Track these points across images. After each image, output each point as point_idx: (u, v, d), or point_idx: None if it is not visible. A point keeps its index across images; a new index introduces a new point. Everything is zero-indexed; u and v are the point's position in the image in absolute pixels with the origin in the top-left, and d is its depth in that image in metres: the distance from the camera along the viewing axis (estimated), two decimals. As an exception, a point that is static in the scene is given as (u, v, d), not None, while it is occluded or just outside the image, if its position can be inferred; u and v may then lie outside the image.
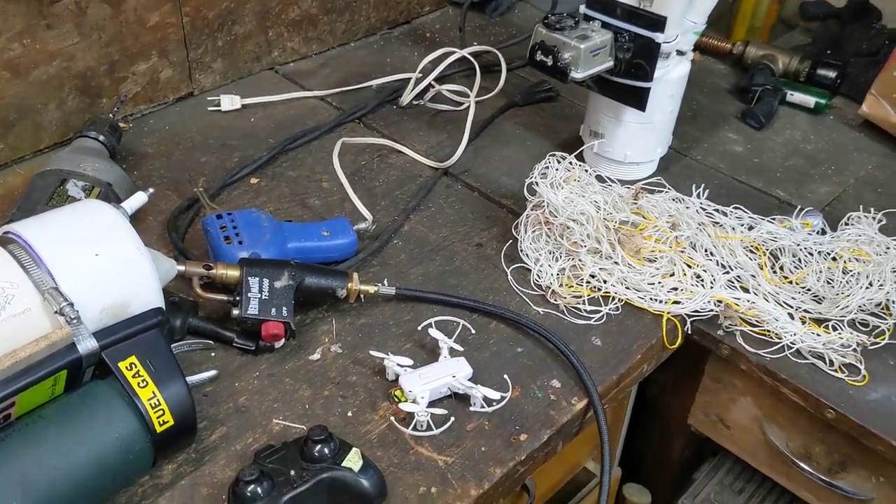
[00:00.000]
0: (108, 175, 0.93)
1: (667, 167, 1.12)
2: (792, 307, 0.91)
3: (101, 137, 1.00)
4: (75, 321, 0.66)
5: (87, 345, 0.66)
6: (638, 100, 1.01)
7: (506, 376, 0.83)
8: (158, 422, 0.68)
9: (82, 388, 0.68)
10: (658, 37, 0.95)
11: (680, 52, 1.03)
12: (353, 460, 0.70)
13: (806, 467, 0.93)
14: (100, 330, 0.68)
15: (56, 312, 0.66)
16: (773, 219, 1.01)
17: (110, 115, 1.06)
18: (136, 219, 0.95)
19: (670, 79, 1.02)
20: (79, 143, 0.99)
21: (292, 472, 0.69)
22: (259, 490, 0.67)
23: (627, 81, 1.00)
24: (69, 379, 0.67)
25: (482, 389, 0.79)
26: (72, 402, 0.67)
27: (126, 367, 0.68)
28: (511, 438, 0.78)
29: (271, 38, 1.28)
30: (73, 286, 0.68)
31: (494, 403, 0.79)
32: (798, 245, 0.97)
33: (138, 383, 0.68)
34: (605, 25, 0.97)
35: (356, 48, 1.39)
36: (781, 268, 0.96)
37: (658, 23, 0.95)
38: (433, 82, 1.22)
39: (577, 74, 0.94)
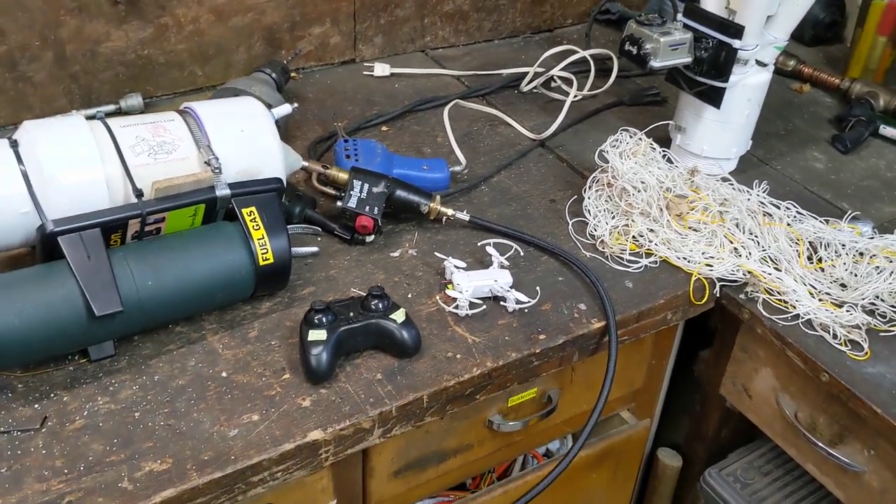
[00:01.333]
0: (269, 98, 1.18)
1: (745, 170, 1.24)
2: (816, 290, 1.02)
3: (273, 74, 1.26)
4: (217, 171, 0.90)
5: (223, 190, 0.90)
6: (715, 98, 1.15)
7: (538, 288, 0.99)
8: (262, 257, 0.90)
9: (214, 224, 0.92)
10: (735, 43, 1.10)
11: (760, 63, 1.16)
12: (399, 316, 0.90)
13: (811, 437, 1.02)
14: (234, 182, 0.92)
15: (205, 162, 0.90)
16: (824, 219, 1.11)
17: (284, 61, 1.33)
18: (287, 138, 1.21)
19: (748, 84, 1.15)
20: (255, 74, 1.26)
21: (351, 314, 0.89)
22: (324, 319, 0.87)
23: (706, 80, 1.14)
24: (205, 215, 0.92)
25: (516, 293, 0.96)
26: (205, 230, 0.91)
27: (247, 214, 0.91)
28: (531, 336, 0.94)
29: (426, 24, 1.51)
30: (221, 148, 0.92)
31: (524, 304, 0.96)
32: (839, 241, 1.07)
33: (253, 226, 0.91)
34: (692, 29, 1.13)
35: (498, 45, 1.60)
36: (820, 259, 1.06)
37: (737, 31, 1.09)
38: (553, 75, 1.41)
39: (656, 63, 1.10)
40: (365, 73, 1.45)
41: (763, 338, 1.01)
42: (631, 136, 1.13)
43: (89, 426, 0.80)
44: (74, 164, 0.86)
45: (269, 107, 1.13)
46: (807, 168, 1.29)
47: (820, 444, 1.01)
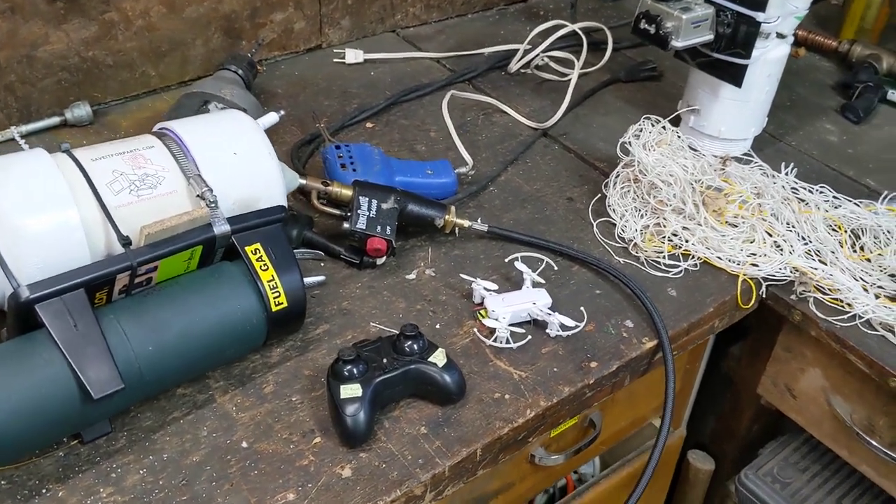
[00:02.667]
0: (244, 101, 1.04)
1: (760, 148, 1.16)
2: (867, 283, 0.95)
3: (240, 71, 1.11)
4: (213, 205, 0.76)
5: (221, 227, 0.77)
6: (735, 76, 1.06)
7: (583, 309, 0.89)
8: (274, 301, 0.77)
9: (213, 266, 0.79)
10: (759, 16, 1.00)
11: (780, 35, 1.07)
12: (439, 358, 0.78)
13: (869, 440, 0.96)
14: (232, 216, 0.78)
15: (198, 196, 0.76)
16: (859, 202, 1.04)
17: (248, 54, 1.17)
18: (264, 145, 1.06)
19: (768, 59, 1.06)
20: (220, 73, 1.11)
21: (385, 361, 0.77)
22: (355, 370, 0.75)
23: (726, 57, 1.05)
24: (203, 256, 0.78)
25: (559, 317, 0.86)
26: (204, 275, 0.77)
27: (252, 252, 0.78)
28: (582, 364, 0.84)
29: (396, 2, 1.37)
30: (212, 176, 0.78)
31: (570, 330, 0.86)
32: (880, 226, 1.00)
33: (260, 266, 0.77)
34: (708, 1, 1.03)
35: (472, 20, 1.47)
36: (862, 247, 0.99)
37: (760, 2, 1.00)
38: (542, 54, 1.29)
39: (678, 43, 1.00)
40: (335, 60, 1.31)
41: (815, 339, 0.94)
42: (653, 125, 1.03)
43: (96, 530, 0.67)
44: (45, 209, 0.71)
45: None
46: (821, 142, 1.22)
47: (881, 447, 0.95)
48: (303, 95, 1.22)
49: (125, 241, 0.72)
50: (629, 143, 1.02)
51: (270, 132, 1.10)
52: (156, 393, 0.76)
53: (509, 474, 0.91)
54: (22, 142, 1.05)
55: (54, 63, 1.07)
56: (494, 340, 0.84)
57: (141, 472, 0.72)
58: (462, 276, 0.91)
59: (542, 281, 0.91)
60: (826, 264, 0.96)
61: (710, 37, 1.03)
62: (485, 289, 0.88)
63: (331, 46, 1.34)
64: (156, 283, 0.76)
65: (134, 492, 0.70)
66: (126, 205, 0.74)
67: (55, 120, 1.08)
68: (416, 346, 0.78)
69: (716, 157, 1.05)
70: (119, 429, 0.75)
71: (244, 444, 0.74)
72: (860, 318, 0.92)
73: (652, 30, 1.01)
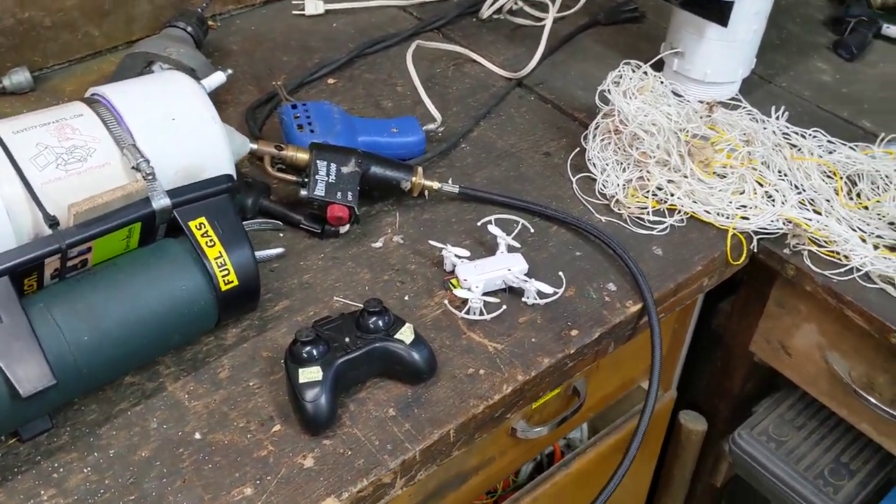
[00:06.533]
0: (191, 61, 0.96)
1: (749, 91, 1.09)
2: (865, 233, 0.89)
3: (189, 28, 1.03)
4: (150, 177, 0.69)
5: (160, 200, 0.70)
6: (720, 14, 0.98)
7: (561, 274, 0.83)
8: (223, 280, 0.71)
9: (154, 244, 0.72)
10: (747, -53, 0.93)
11: (769, -32, 0.99)
12: (406, 334, 0.72)
13: (868, 397, 0.91)
14: (173, 189, 0.71)
15: (133, 168, 0.69)
16: (855, 146, 0.98)
17: (198, 9, 1.09)
18: (217, 107, 0.98)
19: (757, -6, 0.99)
20: (167, 31, 1.03)
21: (347, 339, 0.71)
22: (314, 352, 0.69)
23: (712, -5, 0.97)
24: (142, 234, 0.71)
25: (536, 283, 0.80)
26: (144, 254, 0.71)
27: (196, 227, 0.71)
28: (562, 333, 0.78)
29: (358, -53, 1.28)
30: (149, 146, 0.71)
31: (548, 297, 0.80)
32: (878, 171, 0.94)
33: (206, 242, 0.71)
34: (692, -66, 0.95)
35: (442, -36, 1.38)
36: (858, 194, 0.93)
37: (748, -68, 0.92)
38: (516, -3, 1.21)
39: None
40: (294, 12, 1.22)
41: (810, 294, 0.88)
42: (634, 71, 0.96)
43: (35, 538, 0.62)
44: (-42, 191, 0.64)
45: (196, 76, 0.92)
46: (813, 82, 1.14)
47: (881, 405, 0.90)
48: (259, 52, 1.14)
49: (52, 222, 0.66)
50: (608, 90, 0.95)
51: (223, 93, 1.04)
52: (99, 385, 0.70)
53: (488, 450, 0.86)
54: (-47, 113, 0.98)
55: (-14, 26, 0.99)
56: (467, 312, 0.78)
57: (85, 470, 0.66)
58: (432, 242, 0.85)
59: (518, 245, 0.84)
60: (821, 214, 0.90)
61: (693, -28, 0.95)
62: (456, 256, 0.82)
63: (289, -2, 1.25)
64: (91, 265, 0.70)
65: (77, 493, 0.64)
66: (53, 181, 0.67)
67: (-9, 88, 1.01)
68: (380, 323, 0.72)
69: (701, 102, 0.98)
70: (61, 424, 0.69)
71: (197, 436, 0.69)
72: (858, 270, 0.86)
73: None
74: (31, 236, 0.67)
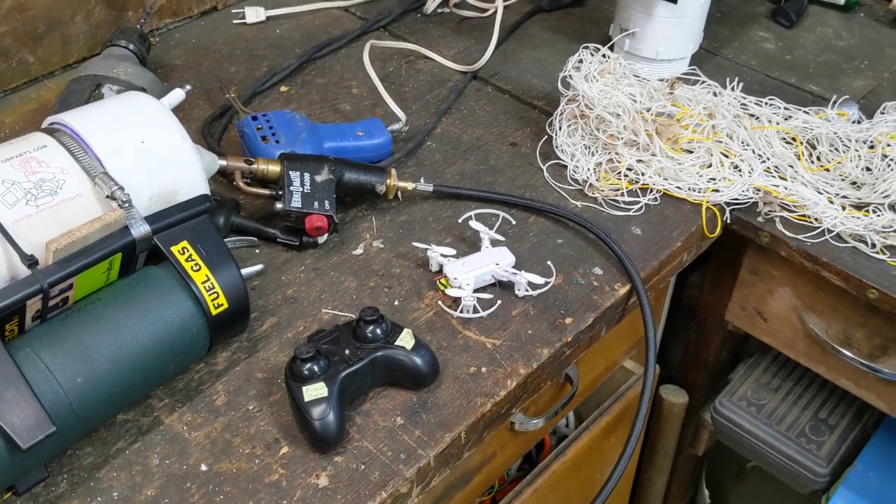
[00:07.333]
0: (141, 80, 0.92)
1: (699, 65, 1.10)
2: (831, 194, 0.91)
3: (131, 46, 0.99)
4: (127, 205, 0.66)
5: (140, 228, 0.67)
6: (670, -8, 1.00)
7: (549, 263, 0.83)
8: (213, 304, 0.68)
9: (136, 273, 0.69)
10: (692, -77, 0.94)
11: (713, -57, 1.01)
12: (406, 339, 0.71)
13: (847, 353, 0.93)
14: (151, 214, 0.68)
15: (108, 197, 0.66)
16: (809, 110, 1.00)
17: (137, 26, 1.05)
18: (171, 125, 0.95)
19: (703, -30, 1.00)
20: (109, 51, 0.98)
21: (347, 352, 0.70)
22: (316, 367, 0.68)
23: (660, -27, 0.98)
24: (123, 264, 0.68)
25: (526, 275, 0.79)
26: (127, 286, 0.68)
27: (178, 251, 0.69)
28: (556, 322, 0.78)
29: (292, -51, 1.26)
30: (121, 172, 0.68)
31: (538, 287, 0.80)
32: (835, 134, 0.96)
33: (192, 267, 0.68)
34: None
35: (377, -39, 1.37)
36: (818, 157, 0.96)
37: None
38: (458, -11, 1.21)
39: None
40: (235, 21, 1.19)
41: (783, 258, 0.90)
42: (593, 54, 0.96)
43: None
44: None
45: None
46: (758, 51, 1.17)
47: (858, 359, 0.92)
48: (205, 64, 1.11)
49: (30, 262, 0.62)
50: (570, 76, 0.95)
51: (176, 111, 1.00)
52: (94, 428, 0.67)
53: (490, 446, 0.85)
54: None
55: (-87, 60, 0.93)
56: (461, 311, 0.77)
57: (90, 518, 0.63)
58: (414, 244, 0.83)
59: (501, 238, 0.84)
60: (786, 180, 0.92)
61: (640, -48, 0.96)
62: (442, 255, 0.81)
63: (228, 7, 1.22)
64: (73, 302, 0.66)
65: (86, 542, 0.62)
66: (24, 218, 0.64)
67: (-75, 125, 0.95)
68: (378, 331, 0.71)
69: (661, 80, 0.99)
70: (57, 471, 0.66)
71: (203, 468, 0.66)
72: (830, 232, 0.88)
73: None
74: (8, 279, 0.63)
